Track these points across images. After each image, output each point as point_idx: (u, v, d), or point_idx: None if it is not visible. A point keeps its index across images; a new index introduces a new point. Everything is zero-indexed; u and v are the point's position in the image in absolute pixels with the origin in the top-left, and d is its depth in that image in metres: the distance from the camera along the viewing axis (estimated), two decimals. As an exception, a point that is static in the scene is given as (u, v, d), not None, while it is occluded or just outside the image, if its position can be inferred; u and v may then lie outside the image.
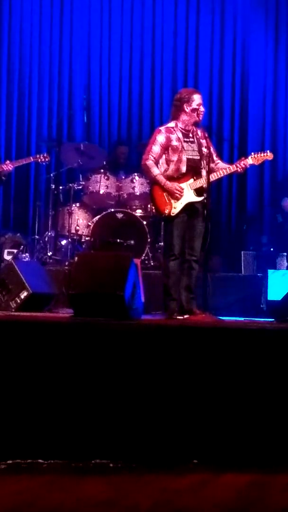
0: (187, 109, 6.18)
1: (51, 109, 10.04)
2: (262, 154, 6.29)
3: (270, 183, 10.11)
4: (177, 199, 6.07)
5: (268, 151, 6.37)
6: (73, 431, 4.40)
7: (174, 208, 6.10)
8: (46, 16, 10.01)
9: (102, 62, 10.14)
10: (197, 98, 6.20)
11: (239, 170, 6.28)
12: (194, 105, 6.17)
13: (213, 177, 6.17)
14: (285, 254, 8.44)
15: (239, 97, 10.24)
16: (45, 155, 8.08)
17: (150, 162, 6.16)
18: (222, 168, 6.26)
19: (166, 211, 6.12)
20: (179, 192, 6.06)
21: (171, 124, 6.26)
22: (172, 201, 6.09)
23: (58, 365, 4.48)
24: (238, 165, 6.24)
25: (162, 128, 6.29)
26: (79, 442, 4.38)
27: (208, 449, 4.39)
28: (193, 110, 6.17)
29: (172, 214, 6.10)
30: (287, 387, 4.47)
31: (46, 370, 4.48)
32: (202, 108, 6.21)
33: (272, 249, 8.93)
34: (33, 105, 9.97)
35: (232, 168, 6.25)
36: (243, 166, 6.25)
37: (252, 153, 6.34)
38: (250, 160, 6.27)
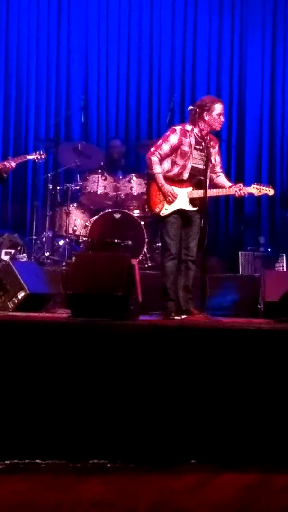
0: (207, 117, 6.11)
1: (48, 109, 10.04)
2: (264, 188, 6.22)
3: (268, 185, 10.10)
4: (169, 203, 6.08)
5: (271, 187, 6.27)
6: (71, 431, 4.39)
7: (166, 209, 6.11)
8: (44, 15, 10.01)
9: (100, 62, 10.14)
10: (218, 108, 6.13)
11: (236, 195, 6.19)
12: (214, 115, 6.11)
13: (209, 193, 6.07)
14: (284, 254, 8.46)
15: (236, 97, 10.26)
16: (41, 152, 8.00)
17: (154, 159, 6.13)
18: (220, 186, 6.21)
19: (157, 210, 6.15)
20: (171, 197, 6.06)
21: (188, 127, 6.19)
22: (165, 202, 6.09)
23: (56, 365, 4.48)
24: (238, 191, 6.13)
25: (178, 128, 6.23)
26: (77, 442, 4.38)
27: (206, 449, 4.38)
28: (213, 119, 6.12)
29: (161, 214, 6.12)
30: (285, 387, 4.47)
31: (44, 370, 4.47)
32: (222, 118, 6.17)
33: (269, 250, 8.93)
34: (31, 105, 9.97)
35: (230, 191, 6.20)
36: (243, 194, 6.16)
37: (255, 184, 6.28)
38: (251, 189, 6.19)
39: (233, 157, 10.05)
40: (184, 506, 3.65)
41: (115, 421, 4.41)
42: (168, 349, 4.51)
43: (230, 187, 6.24)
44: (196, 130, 6.16)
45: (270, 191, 6.25)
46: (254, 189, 6.22)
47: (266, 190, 6.24)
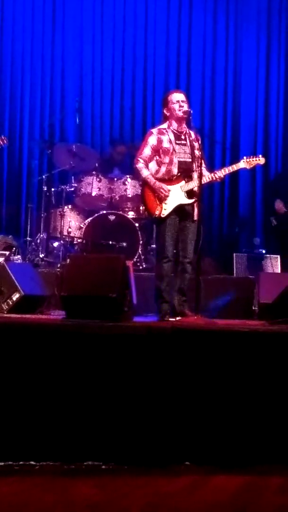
0: (168, 112, 6.22)
1: (43, 111, 10.03)
2: (254, 159, 6.26)
3: (262, 186, 10.13)
4: (162, 199, 6.07)
5: (260, 156, 6.33)
6: (65, 433, 4.39)
7: (164, 209, 6.10)
8: (38, 17, 10.01)
9: (95, 64, 10.15)
10: (175, 97, 6.22)
11: (215, 178, 6.20)
12: (173, 105, 6.18)
13: (203, 181, 6.09)
14: (278, 256, 8.46)
15: (231, 99, 10.29)
16: (2, 137, 7.64)
17: (140, 165, 6.20)
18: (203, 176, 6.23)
19: (157, 212, 6.12)
20: (163, 192, 6.06)
21: (164, 125, 6.28)
22: (162, 202, 6.09)
23: (50, 367, 4.47)
24: (213, 176, 6.17)
25: (154, 130, 6.30)
26: (71, 444, 4.37)
27: (200, 451, 4.38)
28: (173, 109, 6.18)
29: (162, 216, 6.10)
30: (279, 389, 4.48)
31: (38, 372, 4.46)
32: (182, 105, 6.17)
33: (264, 251, 8.93)
34: (25, 107, 9.96)
35: (210, 177, 6.19)
36: (220, 176, 6.18)
37: (245, 157, 6.31)
38: (241, 164, 6.25)
39: (228, 159, 10.04)
40: (178, 507, 3.65)
41: (110, 423, 4.41)
42: (162, 351, 4.51)
43: (208, 175, 6.19)
44: (172, 126, 6.22)
45: (261, 160, 6.29)
46: (244, 163, 6.25)
47: (256, 160, 6.27)
